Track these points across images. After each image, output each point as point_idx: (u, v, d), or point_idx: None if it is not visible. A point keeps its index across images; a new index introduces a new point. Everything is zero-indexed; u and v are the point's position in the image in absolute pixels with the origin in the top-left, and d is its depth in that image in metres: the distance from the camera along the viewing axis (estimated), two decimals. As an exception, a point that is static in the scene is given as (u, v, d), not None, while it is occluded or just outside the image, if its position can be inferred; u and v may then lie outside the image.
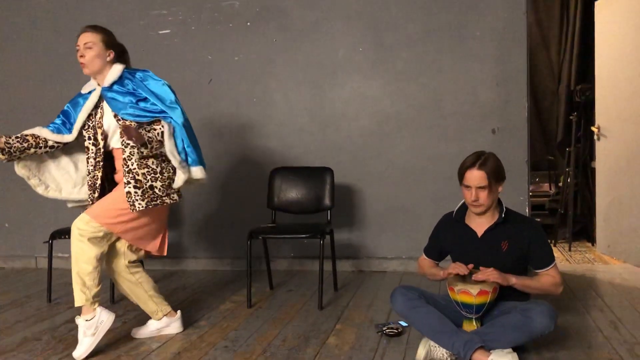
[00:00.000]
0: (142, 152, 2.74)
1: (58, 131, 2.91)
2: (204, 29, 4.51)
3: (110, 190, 2.91)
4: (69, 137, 2.92)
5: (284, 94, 4.44)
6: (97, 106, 2.89)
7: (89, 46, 2.79)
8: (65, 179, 3.04)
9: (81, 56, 2.79)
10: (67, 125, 2.94)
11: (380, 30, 4.28)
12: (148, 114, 2.78)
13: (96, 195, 2.88)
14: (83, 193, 3.03)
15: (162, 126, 2.77)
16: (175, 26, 4.53)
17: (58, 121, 2.94)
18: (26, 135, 2.86)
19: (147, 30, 4.54)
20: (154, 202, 2.76)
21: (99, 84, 2.88)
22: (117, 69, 2.84)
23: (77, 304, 2.69)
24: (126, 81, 2.84)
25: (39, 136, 2.87)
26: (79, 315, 2.72)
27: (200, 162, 2.91)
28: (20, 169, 2.95)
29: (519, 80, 4.11)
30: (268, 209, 3.95)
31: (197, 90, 4.48)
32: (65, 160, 3.05)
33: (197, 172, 2.88)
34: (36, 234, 4.71)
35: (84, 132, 2.91)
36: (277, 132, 4.45)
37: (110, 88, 2.83)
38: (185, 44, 4.53)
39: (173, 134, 2.80)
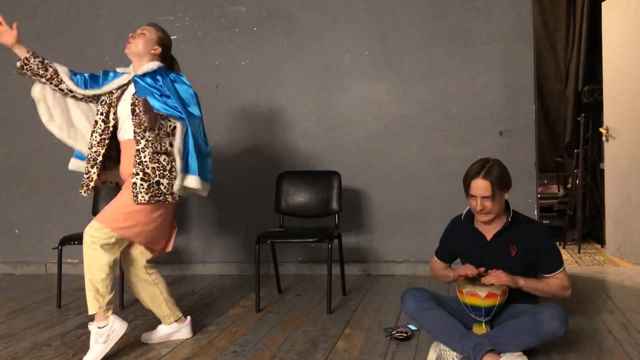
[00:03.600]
0: (150, 141, 2.74)
1: (77, 82, 2.94)
2: (210, 34, 4.53)
3: (109, 171, 2.95)
4: (80, 91, 2.94)
5: (290, 98, 4.45)
6: (121, 87, 2.92)
7: (143, 32, 2.90)
8: (78, 123, 3.02)
9: (131, 36, 2.89)
10: (88, 85, 2.97)
11: (386, 34, 4.29)
12: (167, 108, 2.80)
13: (94, 171, 2.84)
14: (79, 144, 3.00)
15: (175, 122, 2.79)
16: (182, 32, 4.56)
17: (86, 76, 2.98)
18: (49, 65, 2.89)
19: (154, 36, 4.55)
20: (156, 198, 2.75)
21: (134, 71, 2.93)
22: (154, 64, 2.90)
23: (90, 311, 2.69)
24: (158, 77, 2.88)
25: (58, 74, 2.90)
26: (92, 321, 2.73)
27: (201, 173, 2.88)
28: (36, 92, 2.96)
29: (526, 82, 4.10)
30: (276, 213, 3.96)
31: (204, 96, 4.46)
32: (82, 108, 3.04)
33: (192, 181, 2.85)
34: (46, 240, 4.73)
35: (99, 106, 2.93)
36: (284, 136, 4.46)
37: (142, 77, 2.87)
38: (192, 50, 4.55)
39: (185, 136, 2.82)
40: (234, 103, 4.52)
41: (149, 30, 2.92)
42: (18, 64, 2.85)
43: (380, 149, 4.33)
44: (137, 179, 2.73)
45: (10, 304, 3.91)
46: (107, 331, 2.70)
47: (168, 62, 3.02)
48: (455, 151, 4.19)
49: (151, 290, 2.96)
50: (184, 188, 2.85)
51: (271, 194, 4.03)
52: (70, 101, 3.01)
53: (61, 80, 2.91)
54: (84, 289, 2.71)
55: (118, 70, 2.99)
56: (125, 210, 2.74)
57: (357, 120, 4.36)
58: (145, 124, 2.70)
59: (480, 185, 2.54)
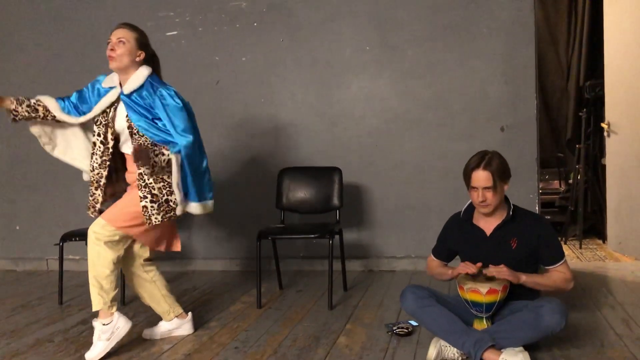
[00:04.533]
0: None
1: (68, 112, 2.91)
2: (211, 30, 4.52)
3: (117, 182, 2.93)
4: (75, 120, 2.91)
5: (291, 94, 4.44)
6: (112, 104, 2.84)
7: (122, 41, 2.75)
8: (74, 144, 3.00)
9: (111, 49, 2.75)
10: (79, 110, 2.93)
11: (387, 29, 4.28)
12: (159, 134, 2.76)
13: (99, 193, 2.85)
14: (84, 165, 2.99)
15: (170, 155, 2.73)
16: (182, 28, 4.55)
17: (73, 100, 2.93)
18: (38, 106, 2.86)
19: (154, 32, 4.52)
20: (169, 215, 2.78)
21: (120, 84, 2.83)
22: (141, 75, 2.78)
23: (94, 308, 2.70)
24: (145, 93, 2.78)
25: (49, 110, 2.88)
26: (97, 318, 2.73)
27: (200, 196, 2.85)
28: (33, 128, 2.96)
29: (527, 77, 4.08)
30: (277, 209, 3.96)
31: (205, 92, 4.49)
32: (78, 129, 3.01)
33: (194, 208, 2.84)
34: (47, 237, 4.73)
35: (95, 127, 2.88)
36: (285, 132, 4.45)
37: (129, 96, 2.78)
38: (192, 46, 4.54)
39: (181, 166, 2.76)
40: (235, 99, 4.52)
41: (126, 36, 2.77)
42: (9, 117, 2.83)
43: (381, 145, 4.32)
44: (145, 202, 2.73)
45: (12, 300, 3.92)
46: (111, 328, 2.70)
47: (151, 59, 2.88)
48: (456, 147, 4.18)
49: (149, 287, 2.97)
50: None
51: (272, 190, 4.02)
52: (65, 124, 2.98)
53: (54, 115, 2.89)
54: (87, 286, 2.72)
55: (104, 84, 2.88)
56: (130, 210, 2.74)
57: (358, 116, 4.36)
58: (141, 166, 2.69)
59: (481, 176, 2.54)
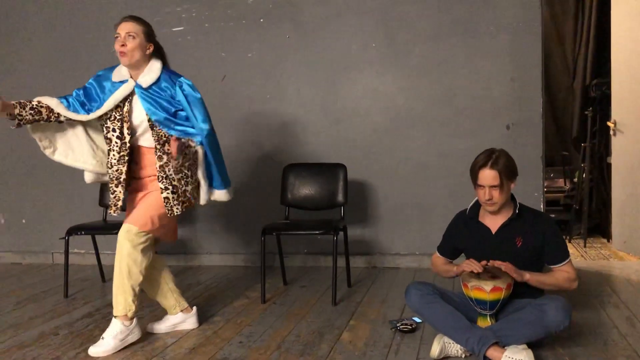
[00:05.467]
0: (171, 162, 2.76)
1: (74, 110, 2.82)
2: (217, 25, 4.52)
3: (130, 183, 2.89)
4: (83, 118, 2.81)
5: (296, 90, 4.44)
6: (125, 98, 2.79)
7: (132, 35, 2.71)
8: (76, 145, 2.91)
9: (122, 45, 2.70)
10: (87, 107, 2.83)
11: (393, 26, 4.27)
12: (177, 128, 2.78)
13: (120, 189, 2.81)
14: (89, 164, 2.91)
15: (195, 146, 2.82)
16: (189, 23, 4.55)
17: (78, 98, 2.84)
18: (41, 108, 2.74)
19: (160, 27, 4.53)
20: (185, 205, 2.83)
21: (131, 77, 2.79)
22: (156, 67, 2.78)
23: (121, 313, 2.72)
24: (164, 85, 2.78)
25: (53, 110, 2.77)
26: (118, 316, 2.73)
27: (226, 184, 2.96)
28: (33, 133, 2.84)
29: (533, 76, 4.08)
30: (281, 205, 3.96)
31: (211, 87, 4.49)
32: (80, 129, 2.91)
33: (222, 195, 2.95)
34: (52, 230, 4.76)
35: (109, 123, 2.80)
36: (290, 128, 4.46)
37: (147, 89, 2.76)
38: (198, 41, 4.55)
39: (205, 155, 2.85)
40: (241, 95, 4.52)
41: (135, 30, 2.72)
42: (14, 122, 2.71)
43: (386, 142, 4.33)
44: (167, 193, 2.76)
45: (18, 293, 3.94)
46: (128, 331, 2.75)
47: (159, 50, 2.86)
48: (461, 144, 4.18)
49: (158, 279, 2.98)
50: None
51: (277, 186, 4.03)
52: (67, 126, 2.90)
53: (59, 114, 2.78)
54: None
55: (114, 79, 2.81)
56: (157, 213, 2.77)
57: (363, 113, 4.36)
58: (173, 159, 2.73)
59: (488, 175, 2.54)
